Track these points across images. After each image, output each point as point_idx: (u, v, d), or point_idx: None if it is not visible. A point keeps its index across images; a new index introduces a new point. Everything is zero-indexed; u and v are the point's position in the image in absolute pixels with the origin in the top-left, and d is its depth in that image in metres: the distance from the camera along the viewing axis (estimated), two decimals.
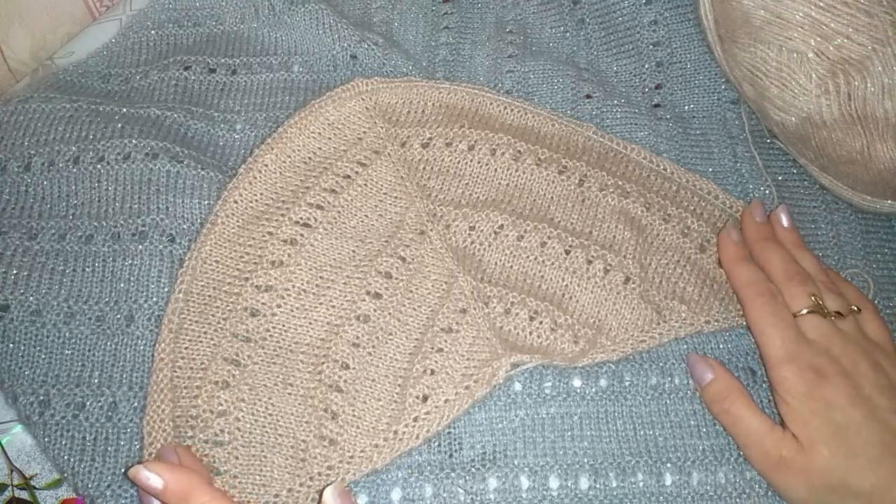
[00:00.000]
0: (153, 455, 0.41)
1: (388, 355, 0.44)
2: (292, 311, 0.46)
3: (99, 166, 0.50)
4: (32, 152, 0.51)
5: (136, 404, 0.43)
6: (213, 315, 0.45)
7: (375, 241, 0.48)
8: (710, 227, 0.50)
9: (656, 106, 0.57)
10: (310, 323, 0.45)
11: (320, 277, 0.47)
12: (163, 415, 0.42)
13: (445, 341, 0.44)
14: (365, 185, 0.51)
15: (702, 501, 0.41)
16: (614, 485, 0.41)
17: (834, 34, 0.44)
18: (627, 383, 0.44)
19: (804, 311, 0.42)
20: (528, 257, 0.48)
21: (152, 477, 0.35)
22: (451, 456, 0.42)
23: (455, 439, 0.43)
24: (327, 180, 0.51)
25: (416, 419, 0.42)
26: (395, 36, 0.62)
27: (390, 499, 0.41)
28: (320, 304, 0.46)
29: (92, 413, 0.43)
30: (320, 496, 0.37)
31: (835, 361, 0.41)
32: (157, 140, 0.51)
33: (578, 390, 0.44)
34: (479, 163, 0.52)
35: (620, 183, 0.51)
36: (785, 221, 0.48)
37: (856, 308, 0.44)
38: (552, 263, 0.48)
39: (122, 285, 0.47)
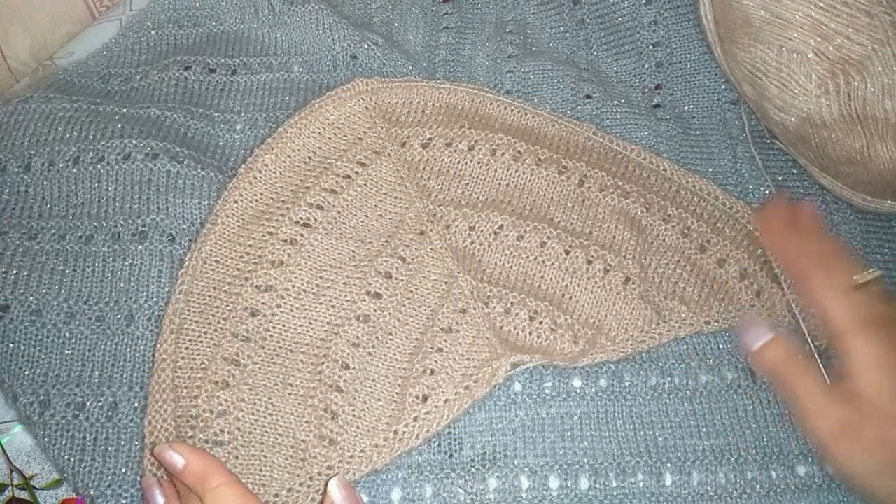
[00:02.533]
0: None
1: (388, 355, 0.44)
2: (292, 311, 0.46)
3: (99, 166, 0.50)
4: (32, 152, 0.51)
5: (136, 404, 0.43)
6: (213, 315, 0.45)
7: (375, 241, 0.48)
8: (710, 227, 0.50)
9: (656, 106, 0.57)
10: (310, 323, 0.45)
11: (320, 277, 0.47)
12: (165, 415, 0.42)
13: (445, 341, 0.44)
14: (365, 185, 0.51)
15: (702, 501, 0.41)
16: (614, 485, 0.41)
17: (834, 34, 0.44)
18: (627, 383, 0.44)
19: (860, 282, 0.40)
20: (528, 257, 0.48)
21: (175, 456, 0.37)
22: (451, 456, 0.42)
23: (455, 439, 0.43)
24: (327, 180, 0.51)
25: (416, 419, 0.42)
26: (395, 36, 0.62)
27: (390, 499, 0.41)
28: (320, 304, 0.46)
29: (92, 413, 0.43)
30: (324, 495, 0.37)
31: None
32: (157, 140, 0.51)
33: (578, 390, 0.44)
34: (479, 163, 0.52)
35: (620, 183, 0.51)
36: (810, 211, 0.46)
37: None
38: (552, 264, 0.48)
39: (122, 285, 0.47)
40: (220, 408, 0.42)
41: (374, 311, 0.45)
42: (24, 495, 0.43)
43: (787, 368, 0.40)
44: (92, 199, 0.50)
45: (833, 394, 0.38)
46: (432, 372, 0.43)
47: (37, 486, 0.43)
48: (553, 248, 0.48)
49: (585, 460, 0.42)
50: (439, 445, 0.42)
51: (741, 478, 0.42)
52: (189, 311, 0.45)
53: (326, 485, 0.38)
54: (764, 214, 0.47)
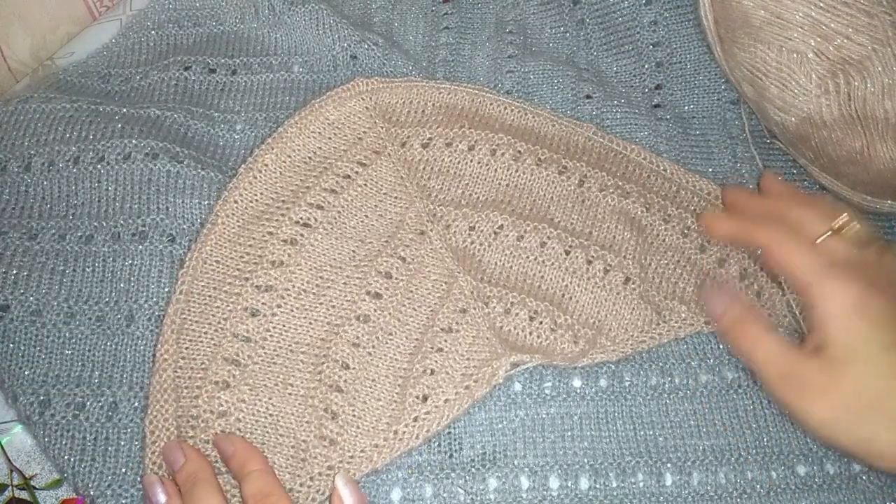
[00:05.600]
0: (157, 454, 0.41)
1: (388, 355, 0.44)
2: (292, 311, 0.46)
3: (99, 166, 0.50)
4: (32, 152, 0.51)
5: (136, 404, 0.43)
6: (213, 315, 0.45)
7: (375, 241, 0.48)
8: None
9: (656, 106, 0.57)
10: (310, 323, 0.45)
11: (320, 277, 0.47)
12: (166, 415, 0.42)
13: (445, 341, 0.44)
14: (365, 185, 0.51)
15: (702, 502, 0.41)
16: (614, 485, 0.41)
17: (834, 34, 0.44)
18: (627, 383, 0.44)
19: (828, 234, 0.39)
20: (528, 257, 0.48)
21: (227, 442, 0.40)
22: (451, 456, 0.42)
23: (455, 439, 0.43)
24: (327, 180, 0.51)
25: (416, 419, 0.42)
26: (395, 36, 0.62)
27: (390, 499, 0.41)
28: (320, 304, 0.46)
29: (92, 413, 0.43)
30: (331, 496, 0.38)
31: (875, 278, 0.37)
32: (157, 140, 0.51)
33: (578, 390, 0.44)
34: (479, 163, 0.52)
35: (620, 183, 0.51)
36: (776, 181, 0.46)
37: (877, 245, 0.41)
38: (552, 264, 0.48)
39: (122, 285, 0.47)
40: (220, 408, 0.42)
41: (375, 311, 0.45)
42: (24, 495, 0.43)
43: (745, 328, 0.39)
44: (92, 199, 0.50)
45: (790, 347, 0.38)
46: (432, 372, 0.43)
47: (37, 486, 0.43)
48: (553, 248, 0.48)
49: (585, 460, 0.42)
50: (439, 445, 0.42)
51: (741, 478, 0.42)
52: (189, 311, 0.45)
53: (333, 482, 0.39)
54: (707, 225, 0.46)
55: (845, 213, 0.40)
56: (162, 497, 0.39)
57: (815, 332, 0.38)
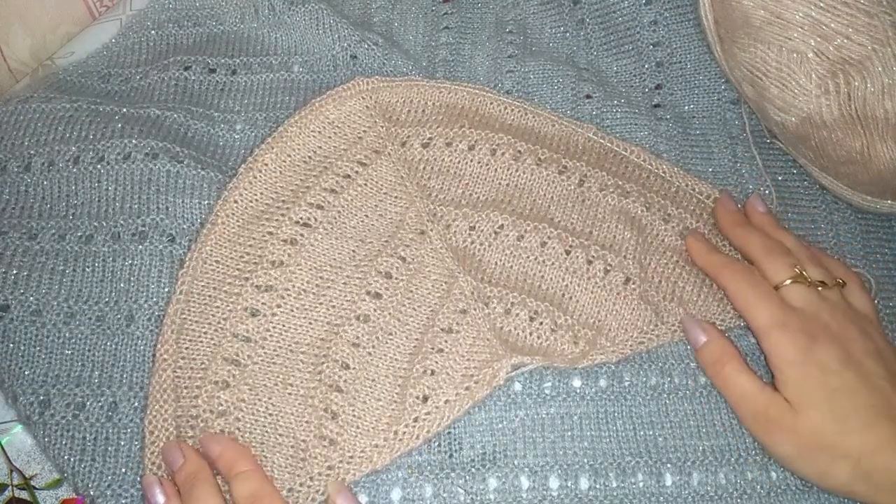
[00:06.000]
0: (156, 454, 0.41)
1: (388, 355, 0.44)
2: (292, 311, 0.46)
3: (99, 166, 0.50)
4: (32, 152, 0.51)
5: (136, 404, 0.43)
6: (213, 315, 0.45)
7: (375, 241, 0.48)
8: (710, 227, 0.50)
9: (656, 106, 0.57)
10: (310, 323, 0.45)
11: (320, 277, 0.47)
12: (165, 414, 0.42)
13: (445, 341, 0.44)
14: (365, 184, 0.51)
15: (702, 502, 0.41)
16: (614, 485, 0.41)
17: (834, 34, 0.44)
18: (627, 383, 0.44)
19: (787, 282, 0.43)
20: (528, 257, 0.48)
21: (213, 442, 0.40)
22: (451, 456, 0.42)
23: (455, 439, 0.43)
24: (327, 180, 0.51)
25: (416, 419, 0.42)
26: (395, 36, 0.62)
27: (390, 499, 0.41)
28: (320, 304, 0.46)
29: (92, 413, 0.43)
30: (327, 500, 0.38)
31: (825, 326, 0.41)
32: (157, 140, 0.51)
33: (578, 390, 0.44)
34: (479, 163, 0.52)
35: (620, 183, 0.51)
36: (760, 207, 0.49)
37: (840, 281, 0.45)
38: (552, 264, 0.48)
39: (122, 285, 0.47)
40: (220, 408, 0.42)
41: (375, 311, 0.45)
42: (24, 495, 0.43)
43: (721, 366, 0.42)
44: (92, 199, 0.50)
45: (759, 387, 0.41)
46: (432, 372, 0.43)
47: (37, 486, 0.43)
48: (553, 248, 0.48)
49: (585, 460, 0.42)
50: (439, 445, 0.42)
51: (741, 478, 0.42)
52: (189, 310, 0.45)
53: (328, 489, 0.39)
54: (715, 211, 0.49)
55: (799, 267, 0.44)
56: (161, 498, 0.39)
57: (774, 378, 0.42)
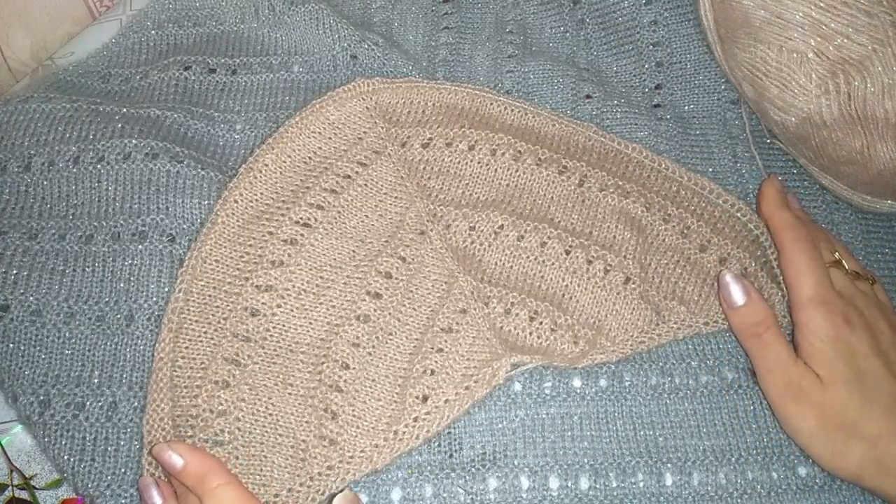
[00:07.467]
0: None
1: (388, 355, 0.44)
2: (292, 310, 0.46)
3: (99, 166, 0.50)
4: (32, 152, 0.51)
5: (136, 404, 0.43)
6: (213, 315, 0.45)
7: (375, 241, 0.48)
8: (710, 227, 0.50)
9: (656, 106, 0.57)
10: (310, 323, 0.45)
11: (320, 277, 0.47)
12: (162, 414, 0.42)
13: (445, 341, 0.44)
14: (365, 185, 0.51)
15: (702, 502, 0.41)
16: (614, 485, 0.41)
17: (834, 34, 0.44)
18: (627, 383, 0.44)
19: (828, 265, 0.44)
20: (528, 257, 0.48)
21: (174, 456, 0.38)
22: (451, 456, 0.42)
23: (455, 439, 0.43)
24: (327, 180, 0.51)
25: (416, 419, 0.42)
26: (395, 36, 0.62)
27: (390, 499, 0.41)
28: (320, 304, 0.46)
29: (92, 413, 0.43)
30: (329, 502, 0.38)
31: (860, 313, 0.43)
32: (157, 140, 0.51)
33: (578, 390, 0.44)
34: (479, 163, 0.52)
35: (620, 183, 0.51)
36: (795, 203, 0.50)
37: (871, 276, 0.46)
38: (552, 263, 0.48)
39: (122, 285, 0.47)
40: (220, 407, 0.42)
41: (374, 311, 0.45)
42: (24, 495, 0.43)
43: (764, 329, 0.43)
44: (92, 199, 0.50)
45: (794, 357, 0.42)
46: (432, 372, 0.43)
47: (37, 486, 0.43)
48: (553, 247, 0.48)
49: (585, 460, 0.42)
50: (439, 445, 0.42)
51: (742, 478, 0.42)
52: (189, 310, 0.45)
53: (330, 495, 0.39)
54: (762, 187, 0.50)
55: (837, 251, 0.46)
56: (158, 499, 0.39)
57: (801, 350, 0.42)
